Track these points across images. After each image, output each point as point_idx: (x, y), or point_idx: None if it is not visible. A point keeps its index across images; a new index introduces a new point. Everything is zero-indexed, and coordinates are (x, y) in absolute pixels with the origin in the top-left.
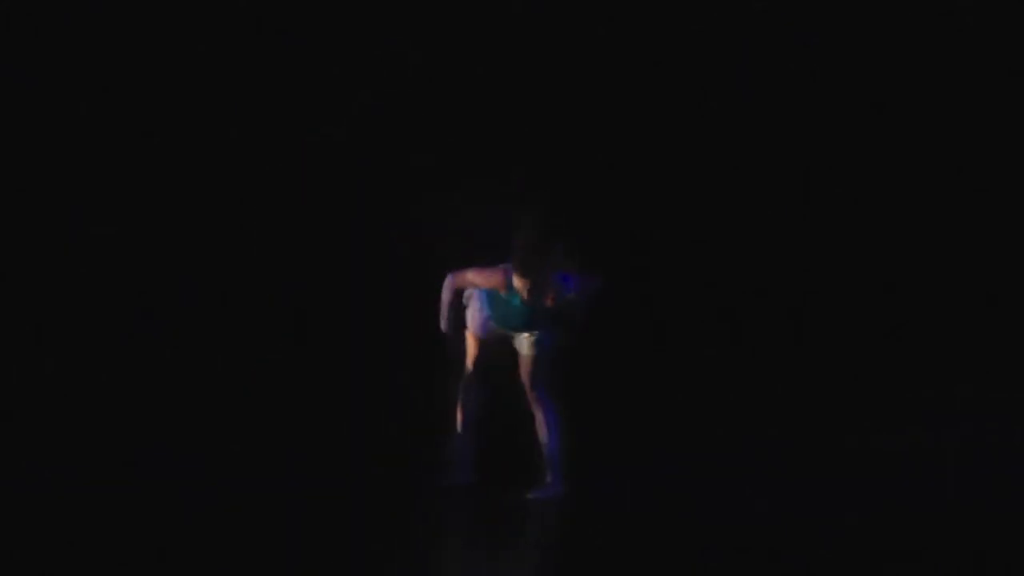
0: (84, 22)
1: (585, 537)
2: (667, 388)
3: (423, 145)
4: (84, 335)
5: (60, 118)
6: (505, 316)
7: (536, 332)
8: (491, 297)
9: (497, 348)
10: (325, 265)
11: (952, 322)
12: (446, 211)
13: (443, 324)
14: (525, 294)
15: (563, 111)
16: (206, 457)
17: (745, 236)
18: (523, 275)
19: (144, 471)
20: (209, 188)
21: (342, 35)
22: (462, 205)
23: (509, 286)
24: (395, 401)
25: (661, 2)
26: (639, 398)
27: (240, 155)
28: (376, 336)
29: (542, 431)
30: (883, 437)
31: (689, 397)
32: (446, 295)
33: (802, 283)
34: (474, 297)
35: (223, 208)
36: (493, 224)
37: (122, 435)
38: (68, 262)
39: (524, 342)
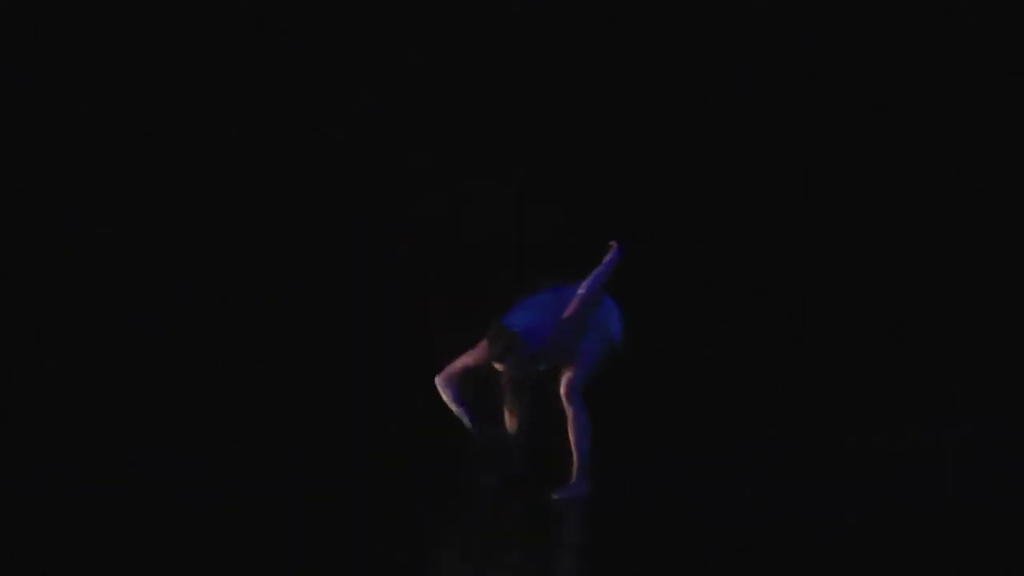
0: (84, 22)
1: (584, 537)
2: (667, 388)
3: (423, 145)
4: (84, 335)
5: (60, 118)
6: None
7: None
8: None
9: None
10: (325, 265)
11: (952, 322)
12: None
13: (467, 422)
14: (506, 376)
15: (563, 111)
16: (206, 457)
17: (745, 236)
18: (498, 362)
19: (144, 471)
20: (209, 188)
21: (342, 35)
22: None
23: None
24: (395, 401)
25: (661, 2)
26: (639, 398)
27: (240, 155)
28: (376, 336)
29: (572, 432)
30: (883, 437)
31: (689, 397)
32: (446, 395)
33: (802, 283)
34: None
35: (223, 208)
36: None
37: (122, 435)
38: (68, 262)
39: None
